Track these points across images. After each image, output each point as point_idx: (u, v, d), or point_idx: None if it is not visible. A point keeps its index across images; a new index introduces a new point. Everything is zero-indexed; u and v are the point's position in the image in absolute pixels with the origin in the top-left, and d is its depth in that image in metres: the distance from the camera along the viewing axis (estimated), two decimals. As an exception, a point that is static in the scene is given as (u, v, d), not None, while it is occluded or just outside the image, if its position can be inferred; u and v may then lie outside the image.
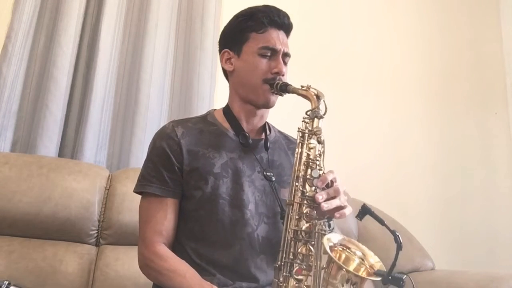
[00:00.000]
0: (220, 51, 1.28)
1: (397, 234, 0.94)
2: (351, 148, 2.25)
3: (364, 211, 1.02)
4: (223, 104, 1.33)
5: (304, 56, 1.34)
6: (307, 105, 1.12)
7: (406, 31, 2.52)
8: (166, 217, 1.14)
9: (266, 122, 1.28)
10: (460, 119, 2.50)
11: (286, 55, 1.21)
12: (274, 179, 1.19)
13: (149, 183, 1.15)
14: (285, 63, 1.21)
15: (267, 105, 1.20)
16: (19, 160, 1.62)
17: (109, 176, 1.71)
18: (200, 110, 1.95)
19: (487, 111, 2.54)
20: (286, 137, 1.35)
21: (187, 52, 2.07)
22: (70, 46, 1.87)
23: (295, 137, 1.13)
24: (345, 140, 2.19)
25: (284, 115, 1.49)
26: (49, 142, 1.79)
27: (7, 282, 1.23)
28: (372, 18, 2.47)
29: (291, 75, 1.24)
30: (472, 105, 2.53)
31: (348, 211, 1.03)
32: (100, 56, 1.90)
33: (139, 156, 1.88)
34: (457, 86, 2.53)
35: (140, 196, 1.19)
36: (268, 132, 1.27)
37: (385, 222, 1.01)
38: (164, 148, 1.16)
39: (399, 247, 0.93)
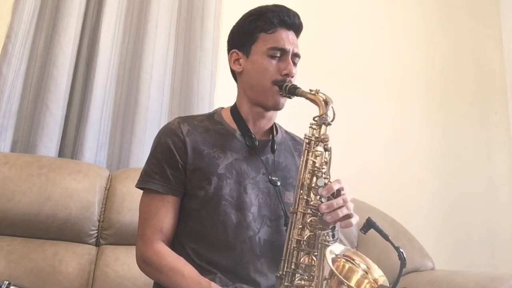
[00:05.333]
0: (228, 51, 1.25)
1: (401, 251, 0.93)
2: (353, 149, 2.25)
3: (369, 225, 1.00)
4: (223, 104, 1.32)
5: (306, 57, 1.35)
6: (314, 105, 1.10)
7: (408, 33, 2.51)
8: (166, 214, 1.14)
9: (274, 122, 1.27)
10: (460, 119, 2.49)
11: (296, 55, 1.18)
12: (279, 184, 1.17)
13: (152, 179, 1.14)
14: (295, 64, 1.19)
15: (276, 107, 1.19)
16: (19, 160, 1.62)
17: (109, 176, 1.71)
18: (200, 110, 1.94)
19: (487, 111, 2.54)
20: (293, 137, 1.33)
21: (187, 52, 2.07)
22: (70, 46, 1.87)
23: (302, 138, 1.11)
24: (347, 140, 2.18)
25: (291, 115, 1.47)
26: (49, 142, 1.79)
27: (7, 282, 1.22)
28: (374, 21, 2.47)
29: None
30: (472, 105, 2.53)
31: (354, 220, 1.02)
32: (100, 56, 1.90)
33: (139, 156, 1.88)
34: (457, 87, 2.53)
35: (140, 192, 1.19)
36: (275, 133, 1.26)
37: (389, 238, 0.99)
38: (169, 144, 1.15)
39: (403, 264, 0.91)
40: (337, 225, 1.03)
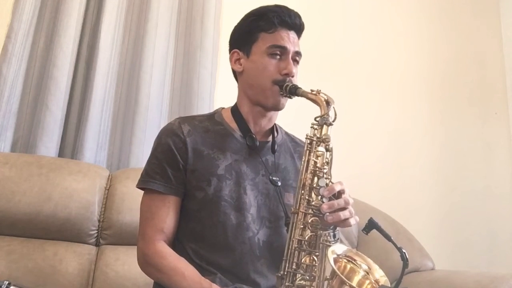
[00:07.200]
0: (229, 51, 1.26)
1: (404, 251, 0.92)
2: (354, 149, 2.25)
3: (371, 225, 0.99)
4: (223, 104, 1.32)
5: (310, 58, 1.35)
6: (314, 105, 1.10)
7: (409, 34, 2.51)
8: (167, 214, 1.14)
9: (275, 123, 1.27)
10: (460, 119, 2.50)
11: (297, 54, 1.18)
12: (280, 184, 1.17)
13: (153, 179, 1.14)
14: (297, 62, 1.19)
15: (277, 107, 1.19)
16: (19, 160, 1.62)
17: (109, 176, 1.71)
18: (200, 110, 1.94)
19: (487, 111, 2.54)
20: (293, 139, 1.33)
21: (187, 52, 2.07)
22: (70, 46, 1.87)
23: (302, 139, 1.11)
24: (348, 141, 2.18)
25: (291, 116, 1.47)
26: (49, 142, 1.79)
27: (7, 282, 1.22)
28: (376, 22, 2.47)
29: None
30: (472, 105, 2.53)
31: (353, 221, 1.02)
32: (100, 56, 1.90)
33: (139, 156, 1.88)
34: (458, 87, 2.53)
35: (141, 192, 1.19)
36: (275, 134, 1.25)
37: (392, 238, 0.98)
38: (170, 145, 1.15)
39: (405, 264, 0.91)
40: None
